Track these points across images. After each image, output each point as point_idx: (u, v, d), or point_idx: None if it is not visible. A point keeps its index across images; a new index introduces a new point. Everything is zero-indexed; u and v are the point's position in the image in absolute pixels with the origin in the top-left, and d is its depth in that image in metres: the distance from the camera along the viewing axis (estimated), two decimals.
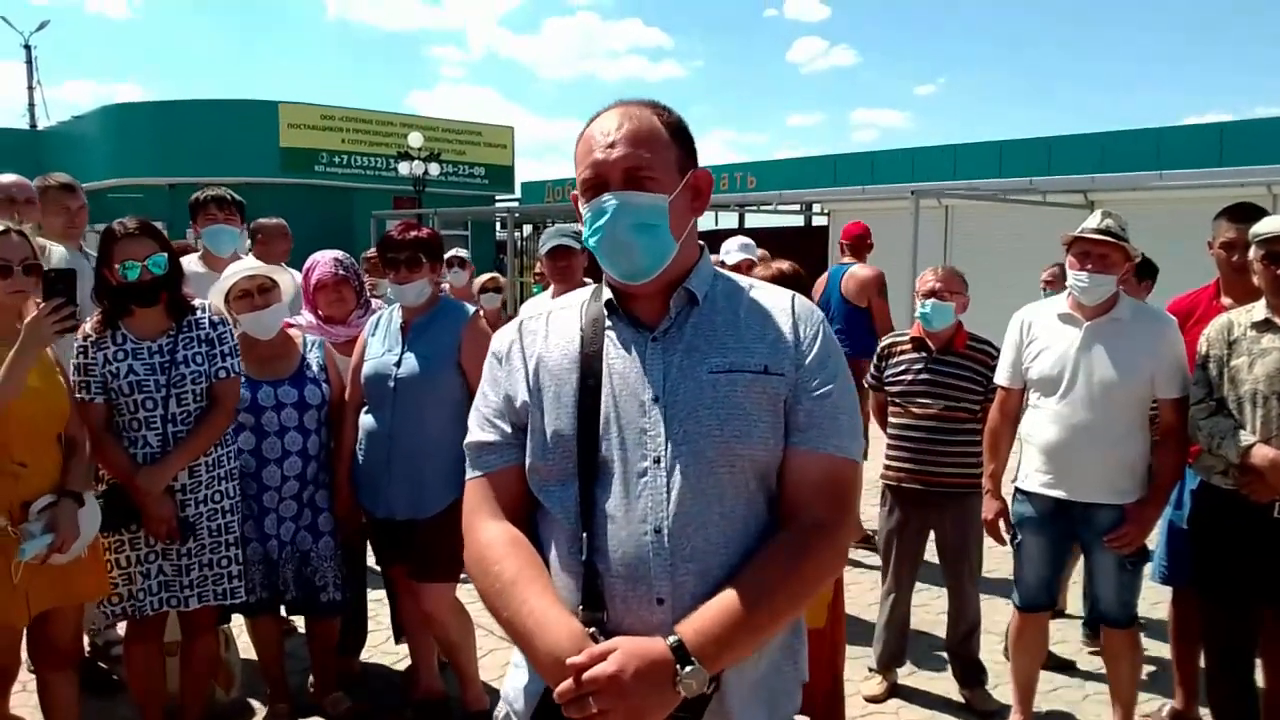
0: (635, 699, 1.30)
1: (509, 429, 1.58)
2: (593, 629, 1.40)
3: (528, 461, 1.55)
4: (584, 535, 1.46)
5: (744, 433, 1.47)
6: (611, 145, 1.50)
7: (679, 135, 1.55)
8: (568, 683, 1.32)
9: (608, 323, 1.56)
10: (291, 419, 3.35)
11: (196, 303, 3.19)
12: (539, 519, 1.57)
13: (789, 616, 1.49)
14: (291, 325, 4.23)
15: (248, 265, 3.54)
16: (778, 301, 1.59)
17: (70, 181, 4.16)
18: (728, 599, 1.39)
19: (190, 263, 4.20)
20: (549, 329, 1.61)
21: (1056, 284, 6.48)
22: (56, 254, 3.82)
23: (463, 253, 7.27)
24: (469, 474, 1.61)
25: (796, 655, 1.60)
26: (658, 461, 1.46)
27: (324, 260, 3.83)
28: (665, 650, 1.34)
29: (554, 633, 1.38)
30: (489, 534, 1.53)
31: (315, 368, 3.46)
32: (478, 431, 1.61)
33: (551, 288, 4.50)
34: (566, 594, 1.47)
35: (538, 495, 1.55)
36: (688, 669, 1.33)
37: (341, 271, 3.81)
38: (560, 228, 4.53)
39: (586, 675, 1.31)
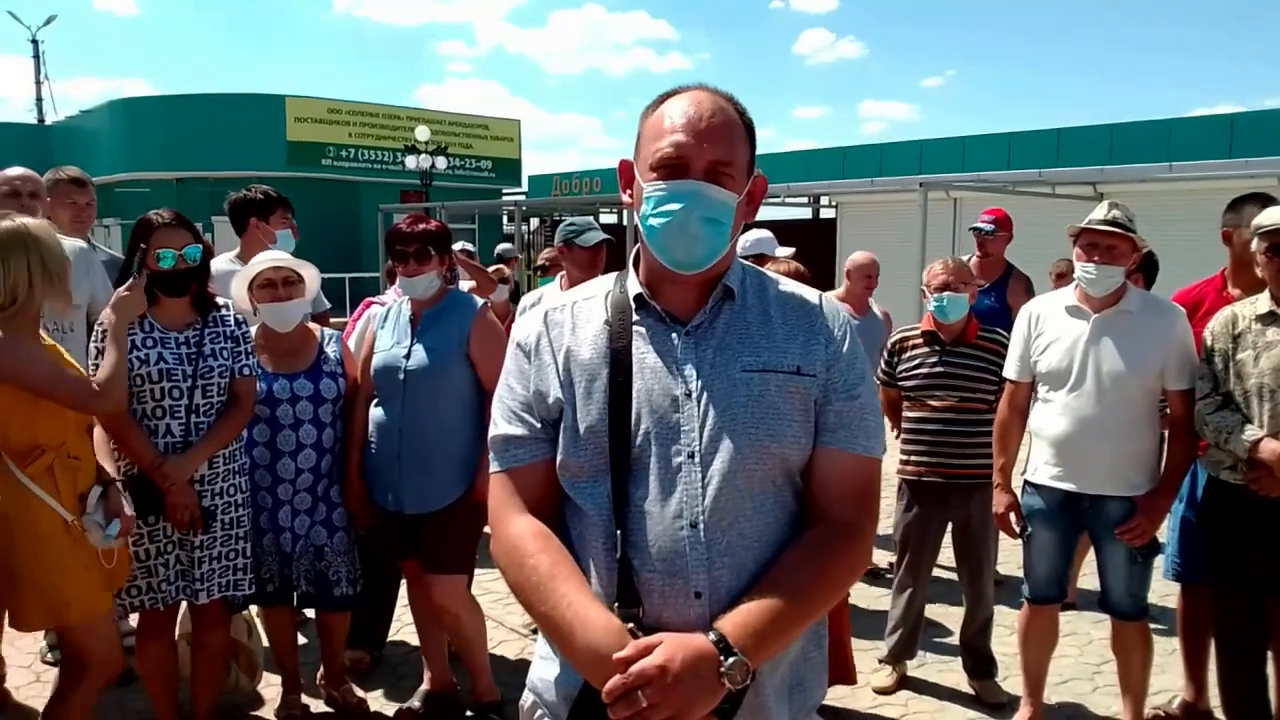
0: (683, 691, 1.30)
1: (538, 424, 1.55)
2: (630, 625, 1.40)
3: (559, 458, 1.53)
4: (618, 531, 1.46)
5: (778, 432, 1.47)
6: (703, 132, 1.47)
7: (751, 136, 1.55)
8: (618, 678, 1.31)
9: (635, 315, 1.54)
10: (306, 412, 3.36)
11: (220, 300, 3.25)
12: (569, 516, 1.56)
13: (821, 612, 1.51)
14: (375, 302, 4.28)
15: (275, 255, 3.54)
16: (806, 300, 1.59)
17: (81, 176, 4.15)
18: (765, 596, 1.39)
19: (224, 263, 4.17)
20: (575, 320, 1.58)
21: (1066, 278, 6.45)
22: (66, 246, 3.82)
23: (505, 248, 6.83)
24: (494, 467, 1.59)
25: (821, 641, 1.61)
26: (692, 456, 1.45)
27: None
28: (708, 643, 1.34)
29: (594, 629, 1.38)
30: (519, 527, 1.52)
31: (332, 361, 3.48)
32: (504, 425, 1.58)
33: (563, 278, 4.49)
34: (600, 590, 1.47)
35: (568, 491, 1.54)
36: (731, 660, 1.33)
37: None
38: (588, 221, 4.52)
39: (635, 668, 1.31)
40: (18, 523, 2.68)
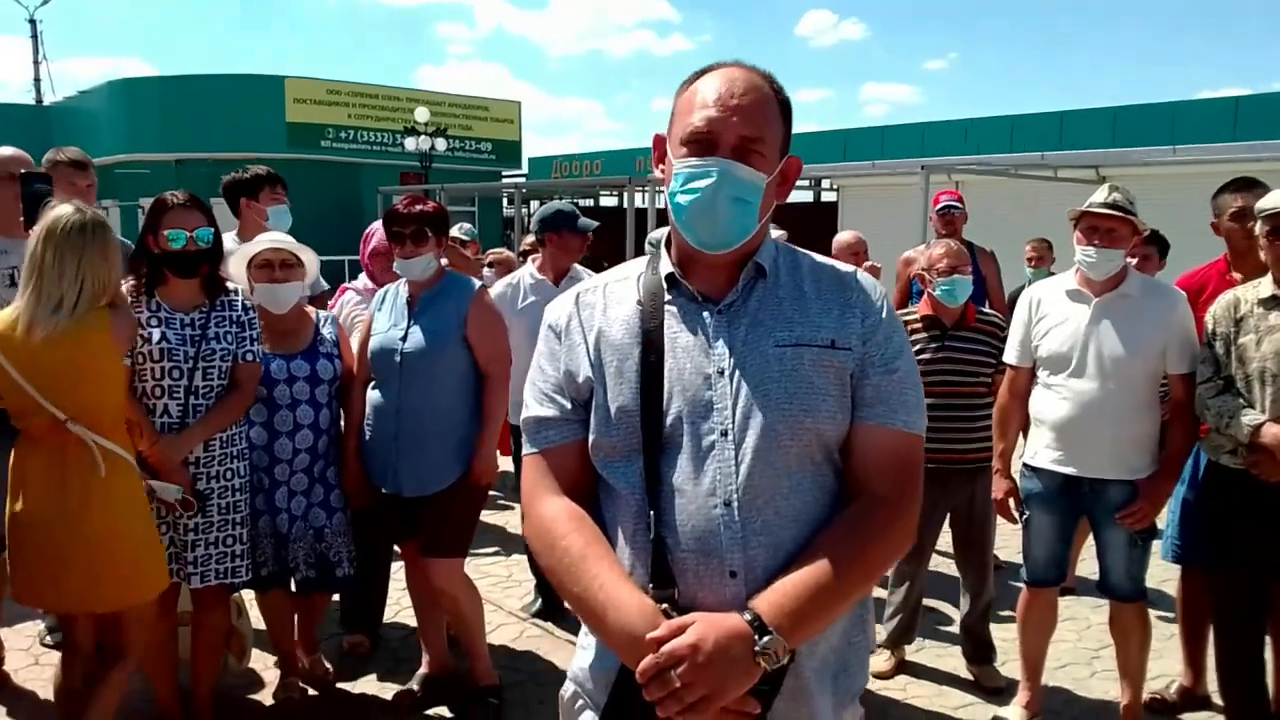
0: (717, 670, 1.29)
1: (568, 404, 1.55)
2: (664, 605, 1.39)
3: (591, 438, 1.53)
4: (651, 511, 1.44)
5: (812, 407, 1.45)
6: (733, 108, 1.45)
7: (786, 115, 1.52)
8: (650, 658, 1.30)
9: (667, 296, 1.53)
10: (303, 392, 3.35)
11: (230, 285, 3.24)
12: (602, 496, 1.55)
13: (859, 593, 1.48)
14: (349, 288, 4.27)
15: (276, 237, 3.53)
16: (841, 274, 1.57)
17: (82, 158, 4.08)
18: (800, 575, 1.38)
19: (227, 242, 4.15)
20: (606, 301, 1.57)
21: (1043, 261, 6.48)
22: None
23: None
24: (526, 449, 1.59)
25: (866, 625, 1.60)
26: (725, 434, 1.44)
27: (381, 229, 3.92)
28: (743, 623, 1.33)
29: (627, 610, 1.37)
30: (552, 509, 1.51)
31: (328, 342, 3.47)
32: (536, 407, 1.58)
33: (543, 262, 4.39)
34: (634, 571, 1.46)
35: (601, 472, 1.53)
36: (766, 639, 1.32)
37: None
38: (572, 207, 4.48)
39: (667, 648, 1.30)
40: (133, 496, 2.81)
